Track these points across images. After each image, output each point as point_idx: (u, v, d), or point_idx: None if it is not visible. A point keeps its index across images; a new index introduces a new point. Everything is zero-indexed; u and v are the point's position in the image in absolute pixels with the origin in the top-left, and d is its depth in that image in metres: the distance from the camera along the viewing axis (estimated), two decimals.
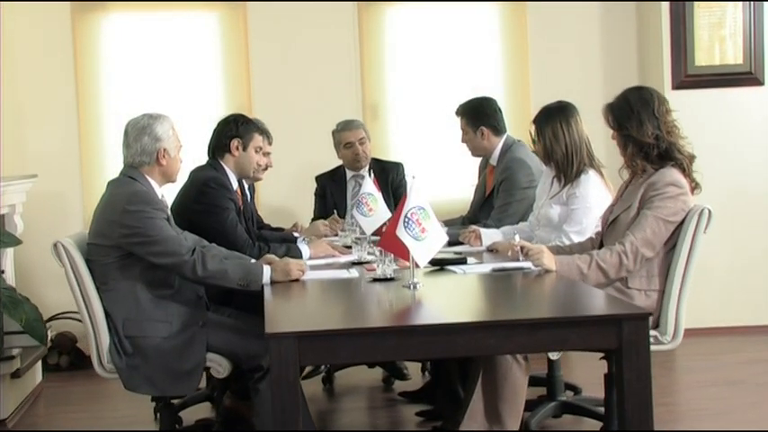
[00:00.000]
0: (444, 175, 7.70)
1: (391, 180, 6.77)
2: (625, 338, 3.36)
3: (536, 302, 4.09)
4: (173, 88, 7.71)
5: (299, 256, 5.11)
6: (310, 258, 5.18)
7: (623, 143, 4.64)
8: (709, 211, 4.52)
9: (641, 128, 4.57)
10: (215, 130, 5.54)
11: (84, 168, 7.69)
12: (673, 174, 4.54)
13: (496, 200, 5.93)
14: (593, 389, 5.73)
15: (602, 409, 5.16)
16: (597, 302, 3.87)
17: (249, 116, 5.86)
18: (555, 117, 5.28)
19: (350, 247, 5.66)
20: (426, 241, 4.11)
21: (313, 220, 6.70)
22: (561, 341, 3.45)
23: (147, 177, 4.58)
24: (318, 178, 6.99)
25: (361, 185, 6.71)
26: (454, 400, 5.19)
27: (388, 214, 5.66)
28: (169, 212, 4.61)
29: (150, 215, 4.41)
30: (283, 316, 3.82)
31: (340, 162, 6.91)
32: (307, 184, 7.15)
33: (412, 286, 4.08)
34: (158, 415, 5.19)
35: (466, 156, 6.34)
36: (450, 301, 4.17)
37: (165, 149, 4.58)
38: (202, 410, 5.90)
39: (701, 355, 6.82)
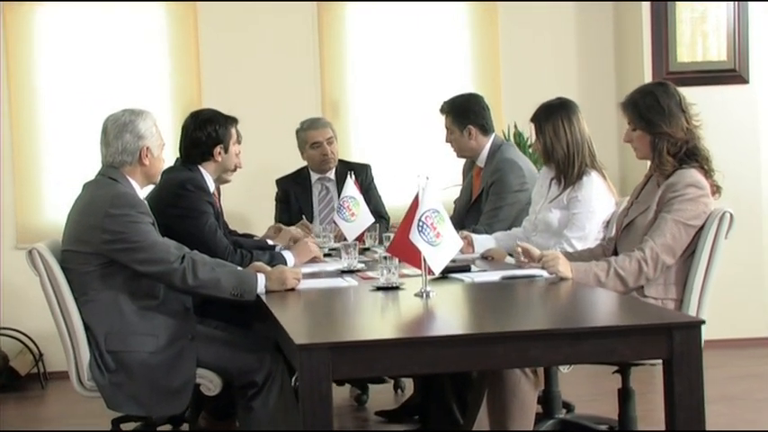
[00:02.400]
0: (409, 176, 7.65)
1: (360, 182, 6.74)
2: (676, 348, 3.39)
3: (573, 311, 4.06)
4: (115, 86, 7.59)
5: (283, 264, 5.05)
6: (295, 266, 5.12)
7: (652, 141, 4.63)
8: (731, 215, 4.54)
9: (673, 124, 4.60)
10: (190, 134, 5.33)
11: (17, 171, 7.57)
12: (693, 174, 4.55)
13: (485, 204, 5.92)
14: (585, 406, 5.78)
15: (602, 427, 5.22)
16: (641, 311, 3.89)
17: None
18: (556, 114, 5.30)
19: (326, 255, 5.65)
20: (441, 247, 4.12)
21: None
22: (608, 352, 3.47)
23: (129, 178, 4.51)
24: (280, 182, 6.91)
25: (328, 189, 6.73)
26: (449, 419, 5.20)
27: (371, 219, 5.67)
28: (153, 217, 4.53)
29: (135, 219, 4.35)
30: (306, 327, 3.80)
31: (302, 163, 6.85)
32: (263, 188, 7.10)
33: (424, 295, 4.08)
34: None
35: (431, 156, 6.31)
36: (474, 310, 4.18)
37: (148, 148, 4.51)
38: None
39: None
